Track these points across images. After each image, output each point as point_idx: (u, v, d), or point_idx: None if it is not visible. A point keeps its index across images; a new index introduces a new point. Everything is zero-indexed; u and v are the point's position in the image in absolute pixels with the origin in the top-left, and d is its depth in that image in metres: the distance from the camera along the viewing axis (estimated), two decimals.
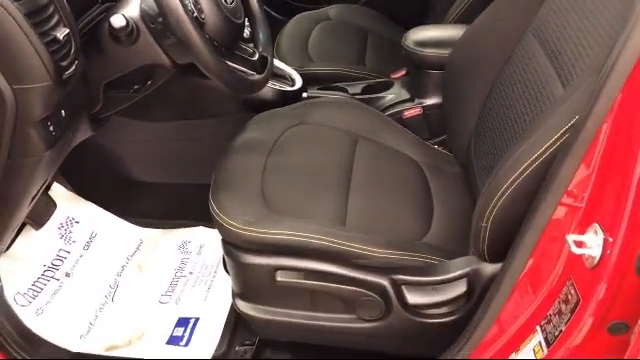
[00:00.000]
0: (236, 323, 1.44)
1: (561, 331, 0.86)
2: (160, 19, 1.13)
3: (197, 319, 1.49)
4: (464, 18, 1.62)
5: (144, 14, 1.17)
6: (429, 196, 1.34)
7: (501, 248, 1.01)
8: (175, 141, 1.71)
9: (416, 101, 1.64)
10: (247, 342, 1.39)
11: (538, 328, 0.92)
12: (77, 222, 1.68)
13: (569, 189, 0.84)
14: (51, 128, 1.07)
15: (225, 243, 1.19)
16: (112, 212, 1.73)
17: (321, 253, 1.11)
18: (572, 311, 0.84)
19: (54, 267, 1.58)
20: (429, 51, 1.58)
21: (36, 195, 1.24)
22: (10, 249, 1.51)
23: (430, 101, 1.63)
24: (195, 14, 1.11)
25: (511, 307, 0.97)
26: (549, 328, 0.89)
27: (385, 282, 1.12)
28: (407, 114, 1.63)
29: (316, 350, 1.31)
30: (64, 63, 1.03)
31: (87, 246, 1.66)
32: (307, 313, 1.19)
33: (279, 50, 2.00)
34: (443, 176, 1.41)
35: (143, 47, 1.19)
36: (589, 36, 1.00)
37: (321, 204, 1.23)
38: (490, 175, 1.06)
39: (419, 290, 1.12)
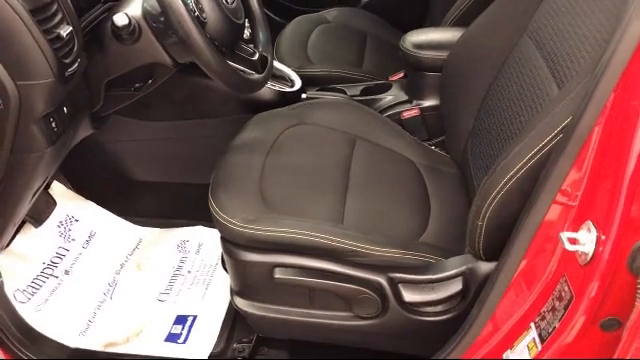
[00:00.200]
0: (234, 321, 1.46)
1: (555, 327, 0.87)
2: (162, 18, 1.15)
3: (195, 317, 1.50)
4: (461, 21, 1.64)
5: (146, 13, 1.19)
6: (426, 196, 1.35)
7: (497, 247, 1.02)
8: (175, 141, 1.73)
9: (414, 103, 1.66)
10: (244, 339, 1.40)
11: (532, 325, 0.93)
12: (77, 220, 1.69)
13: (563, 188, 0.86)
14: (53, 124, 1.09)
15: (224, 241, 1.20)
16: (111, 211, 1.74)
17: (319, 251, 1.13)
18: (565, 308, 0.86)
19: (53, 265, 1.59)
20: (427, 53, 1.60)
21: (37, 192, 1.26)
22: (10, 246, 1.52)
23: (428, 103, 1.64)
24: (196, 13, 1.13)
25: (506, 305, 0.98)
26: (543, 325, 0.91)
27: (382, 280, 1.13)
28: (405, 115, 1.65)
29: (313, 347, 1.32)
30: (67, 60, 1.04)
31: (86, 244, 1.67)
32: (304, 310, 1.20)
33: (279, 52, 2.01)
34: (440, 177, 1.42)
35: (145, 46, 1.20)
36: (584, 38, 1.01)
37: (319, 203, 1.24)
38: (486, 175, 1.08)
39: (416, 288, 1.14)
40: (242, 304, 1.23)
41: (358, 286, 1.14)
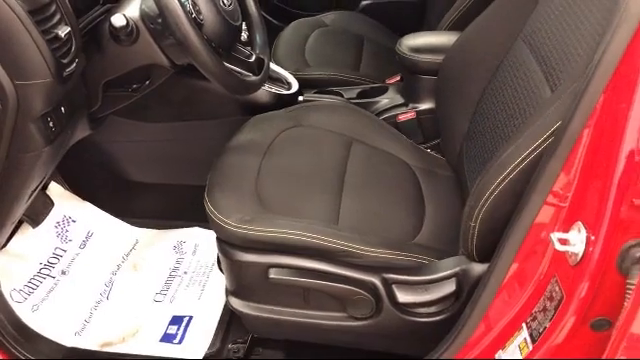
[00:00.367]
0: (229, 321, 1.46)
1: (545, 328, 0.88)
2: (159, 20, 1.16)
3: (191, 317, 1.50)
4: (457, 25, 1.65)
5: (144, 15, 1.20)
6: (421, 198, 1.36)
7: (489, 248, 1.02)
8: (172, 142, 1.74)
9: (410, 106, 1.67)
10: (240, 340, 1.41)
11: (524, 325, 0.94)
12: (74, 221, 1.70)
13: (554, 189, 0.87)
14: (51, 124, 1.10)
15: (219, 241, 1.21)
16: (109, 212, 1.75)
17: (313, 251, 1.14)
18: (556, 308, 0.87)
19: (50, 265, 1.60)
20: (422, 57, 1.61)
21: (34, 191, 1.26)
22: (7, 246, 1.53)
23: (423, 106, 1.66)
24: (194, 15, 1.14)
25: (498, 305, 0.99)
26: (534, 325, 0.91)
27: (376, 281, 1.14)
28: (401, 118, 1.66)
29: (308, 348, 1.33)
30: (65, 60, 1.05)
31: (83, 245, 1.68)
32: (299, 311, 1.21)
33: (276, 55, 2.03)
34: (435, 179, 1.43)
35: (142, 47, 1.21)
36: (576, 42, 1.03)
37: (315, 204, 1.25)
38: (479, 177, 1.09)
39: (409, 289, 1.14)
40: (237, 304, 1.24)
41: (352, 287, 1.14)
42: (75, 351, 1.41)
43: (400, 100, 1.70)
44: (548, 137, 0.90)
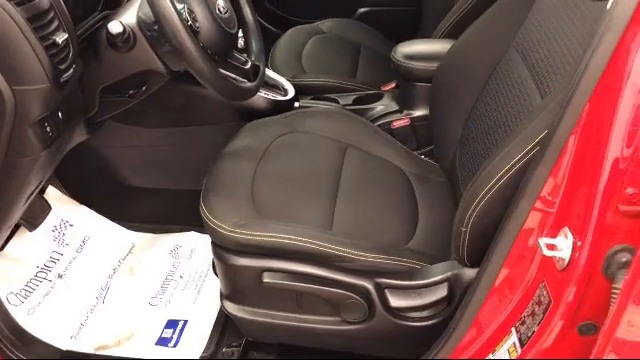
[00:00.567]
0: (224, 325, 1.47)
1: (534, 332, 0.90)
2: (156, 27, 1.17)
3: (186, 321, 1.51)
4: (452, 33, 1.67)
5: (141, 22, 1.21)
6: (415, 204, 1.37)
7: (480, 253, 1.04)
8: (169, 147, 1.75)
9: (404, 112, 1.69)
10: (234, 343, 1.41)
11: (513, 329, 0.95)
12: (71, 225, 1.71)
13: (541, 195, 0.88)
14: (48, 129, 1.11)
15: (214, 245, 1.22)
16: (106, 216, 1.76)
17: (307, 256, 1.15)
18: (544, 312, 0.88)
19: (47, 268, 1.61)
20: (417, 64, 1.63)
21: (31, 195, 1.28)
22: (4, 249, 1.54)
23: (418, 112, 1.67)
24: (190, 23, 1.16)
25: (488, 310, 1.00)
26: (523, 329, 0.93)
27: (369, 285, 1.15)
28: (395, 125, 1.68)
29: (302, 351, 1.34)
30: (62, 66, 1.07)
31: (80, 249, 1.69)
32: (293, 315, 1.22)
33: (273, 61, 2.04)
34: (429, 185, 1.45)
35: (139, 54, 1.23)
36: (566, 51, 1.04)
37: (309, 209, 1.26)
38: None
39: (402, 294, 1.16)
40: (231, 308, 1.25)
41: (345, 291, 1.16)
42: (71, 354, 1.42)
43: (395, 107, 1.72)
44: (536, 145, 0.92)
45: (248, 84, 1.32)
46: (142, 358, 1.42)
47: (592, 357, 0.78)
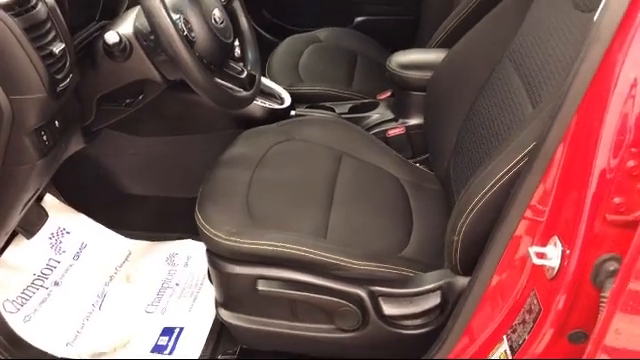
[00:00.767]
0: (220, 333, 1.48)
1: (525, 339, 0.90)
2: (152, 37, 1.19)
3: (182, 329, 1.52)
4: (447, 43, 1.68)
5: (137, 32, 1.23)
6: (409, 212, 1.38)
7: (473, 261, 1.04)
8: (166, 155, 1.76)
9: (400, 121, 1.70)
10: (229, 351, 1.42)
11: (504, 337, 0.96)
12: (68, 232, 1.72)
13: (531, 204, 0.89)
14: (44, 137, 1.12)
15: (209, 253, 1.23)
16: (103, 223, 1.76)
17: (301, 264, 1.15)
18: (534, 320, 0.89)
19: (44, 276, 1.61)
20: (412, 73, 1.64)
21: (28, 203, 1.28)
22: (1, 257, 1.55)
23: (413, 121, 1.69)
24: (185, 33, 1.17)
25: (480, 318, 1.01)
26: (514, 337, 0.93)
27: (363, 293, 1.16)
28: (391, 133, 1.69)
29: (296, 359, 1.34)
30: (59, 76, 1.08)
31: (77, 256, 1.69)
32: (287, 322, 1.22)
33: (270, 70, 2.06)
34: (424, 193, 1.46)
35: (136, 63, 1.24)
36: (557, 61, 1.06)
37: (303, 217, 1.27)
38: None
39: (395, 302, 1.16)
40: (226, 316, 1.25)
41: (339, 299, 1.16)
42: None
43: (390, 115, 1.73)
44: (526, 155, 0.93)
45: (244, 93, 1.34)
46: None
47: None
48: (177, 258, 1.74)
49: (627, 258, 0.72)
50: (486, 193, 1.00)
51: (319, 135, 1.53)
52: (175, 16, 1.16)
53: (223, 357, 1.41)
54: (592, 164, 0.77)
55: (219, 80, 1.26)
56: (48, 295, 1.57)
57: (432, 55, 1.64)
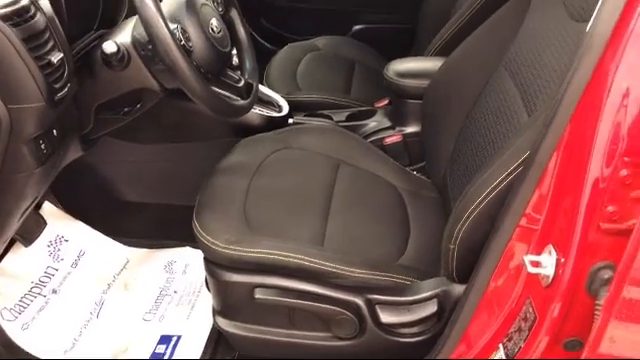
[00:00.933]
0: (217, 341, 1.48)
1: (520, 347, 0.90)
2: (150, 46, 1.19)
3: (179, 337, 1.52)
4: (443, 51, 1.69)
5: (135, 41, 1.23)
6: (406, 220, 1.38)
7: (469, 269, 1.04)
8: (164, 163, 1.77)
9: (397, 129, 1.71)
10: (227, 358, 1.42)
11: (500, 345, 0.96)
12: (66, 240, 1.72)
13: (526, 212, 0.89)
14: (42, 146, 1.13)
15: (207, 261, 1.23)
16: (101, 231, 1.77)
17: (298, 272, 1.16)
18: (530, 328, 0.89)
19: (41, 284, 1.61)
20: (409, 82, 1.65)
21: (26, 211, 1.29)
22: None
23: (410, 129, 1.69)
24: (183, 42, 1.18)
25: (476, 325, 1.01)
26: (510, 345, 0.94)
27: (360, 301, 1.16)
28: (388, 141, 1.69)
29: None
30: (57, 85, 1.09)
31: (75, 264, 1.69)
32: (284, 330, 1.22)
33: (269, 78, 2.06)
34: (421, 201, 1.46)
35: (134, 72, 1.25)
36: (552, 70, 1.07)
37: (301, 225, 1.27)
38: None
39: (392, 309, 1.16)
40: (224, 324, 1.25)
41: (336, 307, 1.16)
42: None
43: (387, 123, 1.74)
44: (521, 163, 0.94)
45: (241, 102, 1.34)
46: None
47: None
48: (175, 266, 1.74)
49: (621, 266, 0.73)
50: (482, 201, 1.00)
51: (317, 143, 1.54)
52: (172, 26, 1.17)
53: None
54: (585, 173, 0.78)
55: (216, 89, 1.27)
56: (46, 303, 1.57)
57: (429, 63, 1.65)
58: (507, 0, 1.37)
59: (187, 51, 1.18)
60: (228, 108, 1.29)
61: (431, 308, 1.14)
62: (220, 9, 1.42)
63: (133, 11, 1.18)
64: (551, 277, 0.84)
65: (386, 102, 1.86)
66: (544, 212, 0.87)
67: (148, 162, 1.76)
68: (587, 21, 0.84)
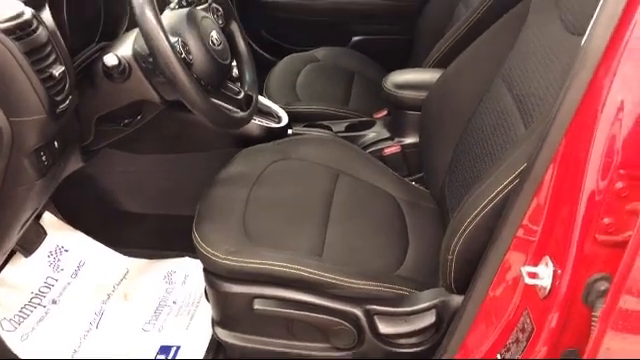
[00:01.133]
0: (216, 351, 1.48)
1: (518, 359, 0.91)
2: (151, 59, 1.21)
3: (179, 347, 1.52)
4: (441, 63, 1.70)
5: (136, 54, 1.25)
6: (405, 230, 1.39)
7: (467, 280, 1.05)
8: (164, 173, 1.77)
9: (395, 140, 1.72)
10: None
11: (498, 356, 0.96)
12: (66, 250, 1.73)
13: (523, 224, 0.90)
14: (44, 158, 1.13)
15: (206, 272, 1.24)
16: (101, 241, 1.77)
17: (297, 283, 1.16)
18: (527, 339, 0.89)
19: (41, 294, 1.62)
20: (407, 93, 1.66)
21: (26, 222, 1.29)
22: None
23: (408, 140, 1.70)
24: (183, 55, 1.19)
25: (474, 336, 1.01)
26: (508, 356, 0.94)
27: (358, 312, 1.16)
28: (387, 152, 1.70)
29: None
30: (58, 98, 1.10)
31: (75, 274, 1.70)
32: (283, 341, 1.23)
33: (268, 88, 2.08)
34: (419, 211, 1.47)
35: (134, 84, 1.26)
36: (548, 84, 1.08)
37: (300, 235, 1.28)
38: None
39: (391, 320, 1.17)
40: (223, 334, 1.26)
41: (335, 318, 1.17)
42: None
43: (386, 134, 1.75)
44: (517, 176, 0.94)
45: (241, 114, 1.35)
46: None
47: None
48: (175, 276, 1.74)
49: (617, 278, 0.73)
50: (479, 212, 1.01)
51: (316, 154, 1.55)
52: (173, 39, 1.18)
53: None
54: (581, 185, 0.79)
55: (216, 101, 1.28)
56: (46, 313, 1.58)
57: (427, 75, 1.66)
58: (505, 13, 1.39)
59: (187, 64, 1.19)
60: (228, 120, 1.30)
61: (429, 319, 1.14)
62: (220, 22, 1.44)
63: (134, 24, 1.20)
64: (548, 288, 0.84)
65: (385, 113, 1.88)
66: (541, 224, 0.87)
67: (148, 173, 1.76)
68: (582, 34, 0.85)
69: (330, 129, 1.81)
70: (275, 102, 1.85)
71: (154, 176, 1.77)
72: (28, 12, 1.06)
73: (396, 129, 1.74)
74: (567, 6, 1.11)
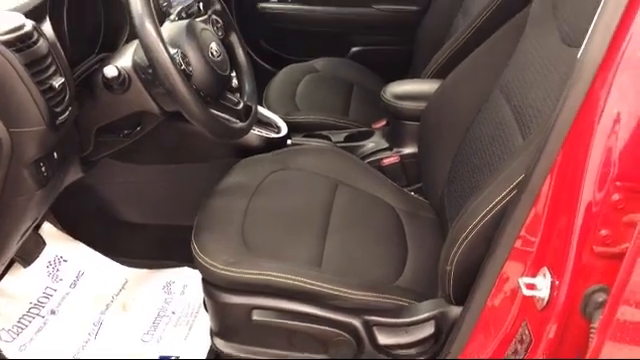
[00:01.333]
0: None
1: None
2: (150, 70, 1.21)
3: (177, 358, 1.52)
4: (440, 73, 1.71)
5: (136, 65, 1.25)
6: (404, 241, 1.39)
7: (466, 291, 1.05)
8: (163, 183, 1.78)
9: (394, 150, 1.72)
10: None
11: None
12: (65, 260, 1.72)
13: (521, 235, 0.90)
14: (43, 169, 1.14)
15: (205, 282, 1.24)
16: (100, 251, 1.77)
17: (296, 293, 1.16)
18: (526, 351, 0.89)
19: (40, 304, 1.61)
20: (406, 104, 1.67)
21: (26, 232, 1.29)
22: None
23: (407, 150, 1.71)
24: (183, 67, 1.20)
25: (473, 348, 1.01)
26: None
27: (357, 323, 1.16)
28: (385, 162, 1.71)
29: None
30: (58, 109, 1.10)
31: (74, 284, 1.70)
32: (282, 352, 1.23)
33: (268, 99, 2.09)
34: (418, 222, 1.47)
35: (134, 96, 1.26)
36: (545, 94, 1.08)
37: (299, 246, 1.28)
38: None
39: (390, 331, 1.17)
40: (221, 345, 1.25)
41: (334, 328, 1.17)
42: None
43: (385, 144, 1.75)
44: (515, 187, 0.95)
45: (240, 124, 1.36)
46: None
47: None
48: (174, 286, 1.74)
49: (614, 289, 0.73)
50: (478, 223, 1.01)
51: (315, 164, 1.55)
52: (173, 50, 1.19)
53: None
54: (578, 197, 0.79)
55: (215, 112, 1.29)
56: (44, 324, 1.57)
57: (426, 86, 1.67)
58: (503, 24, 1.39)
59: (187, 75, 1.20)
60: (227, 130, 1.30)
61: (428, 330, 1.14)
62: (220, 33, 1.45)
63: (134, 36, 1.20)
64: (546, 300, 0.84)
65: (384, 123, 1.88)
66: (539, 235, 0.88)
67: (148, 183, 1.77)
68: (579, 46, 0.86)
69: (329, 139, 1.82)
70: (274, 112, 1.86)
71: (154, 186, 1.78)
72: (29, 24, 1.07)
73: (395, 139, 1.74)
74: (564, 18, 1.12)
